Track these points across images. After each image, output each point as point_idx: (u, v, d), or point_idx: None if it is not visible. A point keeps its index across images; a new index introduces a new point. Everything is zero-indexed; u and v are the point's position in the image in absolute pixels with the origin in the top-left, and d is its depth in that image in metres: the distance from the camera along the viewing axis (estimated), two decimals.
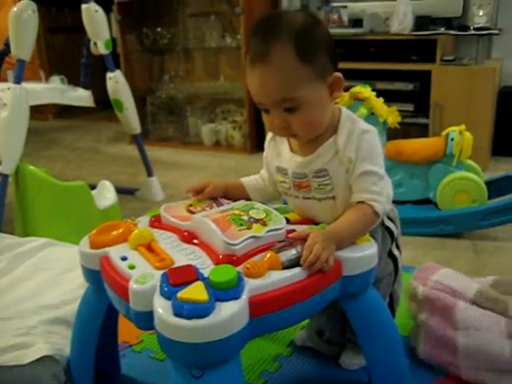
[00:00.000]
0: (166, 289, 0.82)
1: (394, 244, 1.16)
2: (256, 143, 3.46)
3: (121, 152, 3.68)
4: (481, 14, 3.11)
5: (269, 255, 0.89)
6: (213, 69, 3.81)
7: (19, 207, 1.80)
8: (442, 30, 3.06)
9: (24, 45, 1.87)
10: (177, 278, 0.83)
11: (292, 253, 0.91)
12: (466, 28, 3.07)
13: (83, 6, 2.17)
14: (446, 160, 2.06)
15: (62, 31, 4.82)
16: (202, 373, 0.81)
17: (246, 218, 0.97)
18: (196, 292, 0.80)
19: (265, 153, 1.17)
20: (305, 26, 0.97)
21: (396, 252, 1.17)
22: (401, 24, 3.05)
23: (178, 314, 0.78)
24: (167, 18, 3.84)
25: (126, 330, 1.38)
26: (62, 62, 2.45)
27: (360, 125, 1.03)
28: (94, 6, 2.17)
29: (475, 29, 3.03)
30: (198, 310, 0.77)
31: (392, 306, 1.21)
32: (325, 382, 1.21)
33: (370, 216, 1.01)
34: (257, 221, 0.96)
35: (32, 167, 1.81)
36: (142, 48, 3.94)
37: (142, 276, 0.87)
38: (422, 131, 2.97)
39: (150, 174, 2.61)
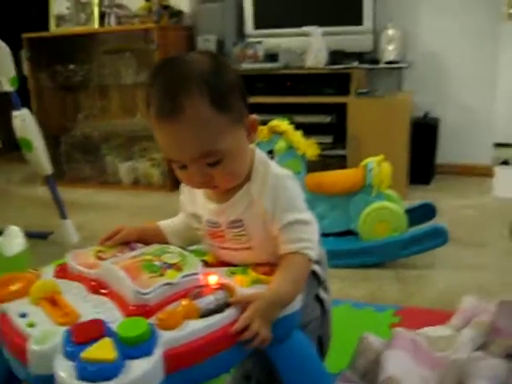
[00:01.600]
0: (68, 348, 0.73)
1: (320, 287, 1.12)
2: (176, 180, 3.36)
3: (33, 194, 3.49)
4: (390, 48, 3.24)
5: (184, 303, 0.82)
6: (129, 105, 3.73)
7: None
8: (356, 64, 3.14)
9: None
10: (81, 335, 0.74)
11: (210, 299, 0.84)
12: (378, 62, 3.18)
13: None
14: (366, 190, 2.07)
15: None
16: None
17: (158, 263, 0.89)
18: (102, 350, 0.71)
19: (181, 196, 1.10)
20: (213, 71, 0.89)
21: (324, 295, 1.12)
22: (315, 58, 3.11)
23: (81, 377, 0.69)
24: (80, 55, 3.73)
25: None
26: None
27: (273, 170, 0.97)
28: None
29: (386, 62, 3.14)
30: (104, 371, 0.69)
31: (322, 350, 1.15)
32: None
33: (306, 265, 0.95)
34: (170, 266, 0.89)
35: None
36: (55, 85, 3.80)
37: (42, 335, 0.77)
38: (341, 162, 3.01)
39: (63, 216, 2.47)
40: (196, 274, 0.90)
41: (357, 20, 3.26)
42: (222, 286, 0.87)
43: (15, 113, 2.17)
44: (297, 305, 0.93)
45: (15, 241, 1.89)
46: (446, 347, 1.17)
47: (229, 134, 0.90)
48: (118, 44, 3.65)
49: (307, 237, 0.95)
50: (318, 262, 1.09)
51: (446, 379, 0.99)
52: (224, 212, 0.98)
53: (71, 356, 0.72)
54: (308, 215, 0.96)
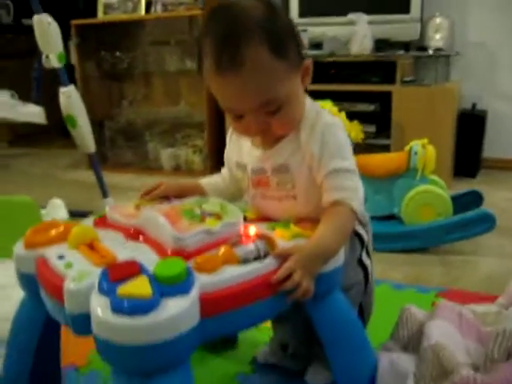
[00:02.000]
0: (104, 285, 0.72)
1: (364, 251, 1.08)
2: (216, 165, 3.38)
3: (77, 177, 3.55)
4: (437, 37, 3.16)
5: (223, 249, 0.80)
6: (173, 93, 3.75)
7: None
8: (401, 52, 3.08)
9: None
10: (117, 274, 0.73)
11: (250, 248, 0.82)
12: (425, 50, 3.10)
13: (35, 18, 2.09)
14: (410, 174, 2.01)
15: (17, 57, 4.69)
16: (145, 382, 0.70)
17: (198, 211, 0.88)
18: (138, 286, 0.70)
19: (226, 148, 1.09)
20: (269, 17, 0.88)
21: (367, 261, 1.09)
22: (360, 46, 3.06)
23: (117, 310, 0.68)
24: (127, 43, 3.78)
25: (73, 350, 1.26)
26: (15, 88, 2.35)
27: (324, 117, 0.95)
28: (46, 18, 2.08)
29: (433, 50, 3.06)
30: (139, 306, 0.67)
31: (362, 318, 1.12)
32: None
33: (349, 216, 0.92)
34: (211, 214, 0.88)
35: None
36: (101, 72, 3.85)
37: (78, 274, 0.76)
38: (385, 152, 2.94)
39: (104, 195, 2.49)
40: (236, 223, 0.88)
41: (404, 8, 3.18)
42: (263, 237, 0.85)
43: (62, 89, 2.20)
44: (339, 261, 0.91)
45: (58, 213, 1.93)
46: (494, 322, 1.12)
47: (287, 81, 0.90)
48: (163, 32, 3.67)
49: (351, 185, 0.93)
50: (362, 224, 1.06)
51: (494, 349, 0.94)
52: (270, 157, 0.97)
53: (107, 292, 0.71)
54: (353, 165, 0.94)
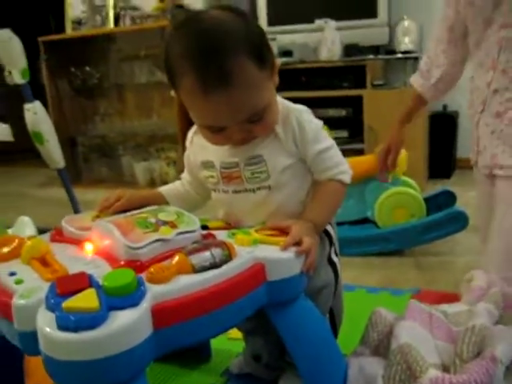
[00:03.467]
0: (51, 300, 0.69)
1: (332, 249, 1.07)
2: None
3: (51, 195, 3.50)
4: (406, 41, 3.18)
5: (177, 258, 0.77)
6: (145, 106, 3.73)
7: None
8: (371, 56, 3.09)
9: None
10: (65, 287, 0.70)
11: (206, 255, 0.79)
12: (393, 53, 3.12)
13: None
14: None
15: None
16: None
17: (153, 220, 0.85)
18: (85, 300, 0.67)
19: (186, 152, 1.07)
20: (244, 28, 0.87)
21: (335, 258, 1.07)
22: (329, 51, 3.07)
23: (62, 326, 0.64)
24: (96, 57, 3.76)
25: (35, 372, 1.22)
26: None
27: (291, 106, 0.98)
28: (7, 33, 2.05)
29: (402, 53, 3.08)
30: (86, 320, 0.64)
31: (334, 323, 1.10)
32: None
33: (341, 190, 0.99)
34: (165, 223, 0.85)
35: None
36: (72, 88, 3.83)
37: (28, 290, 0.73)
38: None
39: (76, 211, 2.45)
40: (192, 231, 0.85)
41: (371, 13, 3.21)
42: (220, 244, 0.82)
43: (27, 105, 2.17)
44: (298, 268, 0.88)
45: (26, 230, 1.87)
46: (465, 322, 1.10)
47: (268, 89, 0.90)
48: (132, 45, 3.66)
49: (337, 160, 0.98)
50: (329, 223, 1.04)
51: (463, 346, 0.92)
52: (243, 150, 0.96)
53: (53, 307, 0.67)
54: (331, 140, 0.99)
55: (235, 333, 1.32)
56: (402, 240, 1.96)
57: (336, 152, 1.00)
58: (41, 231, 2.07)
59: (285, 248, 0.85)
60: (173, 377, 1.21)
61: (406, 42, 3.17)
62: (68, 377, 0.67)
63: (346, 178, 0.99)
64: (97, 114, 3.86)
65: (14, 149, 4.36)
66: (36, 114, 2.17)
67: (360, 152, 3.00)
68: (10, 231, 1.82)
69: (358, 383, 0.94)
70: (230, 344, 1.32)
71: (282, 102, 0.98)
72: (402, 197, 1.96)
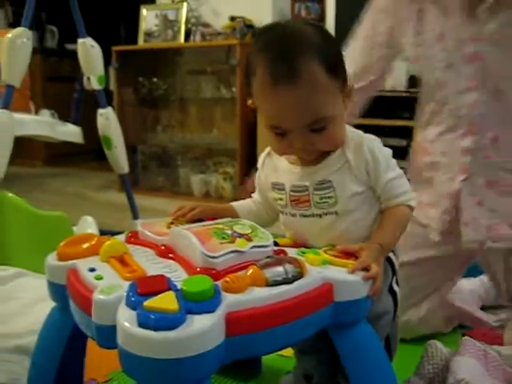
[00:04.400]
0: (132, 298, 0.72)
1: (394, 279, 1.07)
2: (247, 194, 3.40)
3: (109, 198, 3.61)
4: None
5: (252, 270, 0.80)
6: (206, 120, 3.81)
7: None
8: None
9: (15, 71, 1.84)
10: (146, 287, 0.74)
11: (279, 270, 0.81)
12: None
13: (79, 41, 2.16)
14: None
15: (60, 80, 4.84)
16: None
17: (229, 231, 0.88)
18: (165, 301, 0.70)
19: (257, 173, 1.09)
20: (324, 39, 0.92)
21: (396, 287, 1.08)
22: (394, 80, 3.07)
23: (143, 324, 0.68)
24: (164, 70, 3.88)
25: (95, 366, 1.27)
26: (56, 109, 2.45)
27: (365, 135, 1.00)
28: (90, 41, 2.15)
29: None
30: (165, 321, 0.67)
31: (389, 351, 1.10)
32: None
33: (408, 214, 1.00)
34: (241, 235, 0.88)
35: (11, 194, 1.73)
36: (137, 98, 3.95)
37: (108, 287, 0.77)
38: None
39: (135, 216, 2.52)
40: (266, 246, 0.88)
41: None
42: (292, 260, 0.85)
43: (101, 111, 2.26)
44: (367, 290, 0.89)
45: (89, 230, 1.95)
46: None
47: (335, 101, 0.92)
48: (200, 60, 3.75)
49: (405, 188, 0.99)
50: (392, 251, 1.05)
51: None
52: (312, 174, 0.98)
53: (134, 305, 0.71)
54: (400, 169, 1.00)
55: (286, 350, 1.33)
56: None
57: (405, 180, 1.01)
58: (101, 232, 2.16)
59: (352, 272, 0.87)
60: None
61: None
62: (140, 371, 0.70)
63: (414, 203, 1.01)
64: (159, 124, 3.97)
65: (75, 151, 4.54)
66: (108, 120, 2.26)
67: None
68: (74, 229, 1.91)
69: None
70: (281, 361, 1.34)
71: (353, 130, 1.00)
72: None
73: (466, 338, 1.13)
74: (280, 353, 1.34)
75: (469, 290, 1.64)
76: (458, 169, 1.35)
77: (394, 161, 1.00)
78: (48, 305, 0.99)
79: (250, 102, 0.99)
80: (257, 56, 0.91)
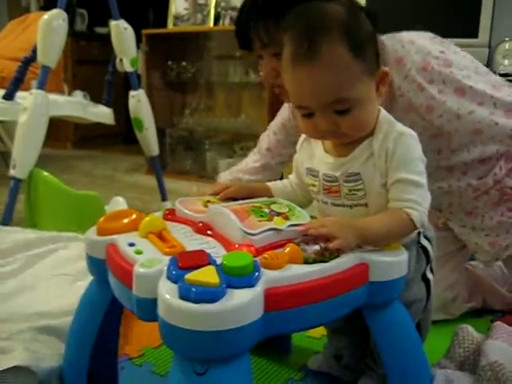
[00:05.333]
0: (173, 272, 0.74)
1: (428, 266, 1.07)
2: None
3: (137, 181, 3.65)
4: (506, 63, 3.10)
5: (290, 248, 0.81)
6: (234, 105, 3.82)
7: (30, 213, 1.75)
8: None
9: (51, 52, 1.87)
10: (187, 262, 0.75)
11: (316, 248, 0.83)
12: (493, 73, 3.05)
13: (112, 23, 2.18)
14: None
15: (90, 63, 4.89)
16: (205, 369, 0.71)
17: (267, 210, 0.90)
18: (206, 275, 0.72)
19: (296, 155, 1.09)
20: (351, 18, 0.89)
21: (430, 275, 1.07)
22: None
23: (184, 296, 0.69)
24: (193, 54, 3.88)
25: (128, 342, 1.31)
26: (87, 91, 2.49)
27: (397, 127, 0.94)
28: (123, 24, 2.18)
29: (501, 75, 3.00)
30: (207, 294, 0.69)
31: (420, 334, 1.10)
32: None
33: (405, 222, 0.90)
34: (278, 214, 0.89)
35: (46, 173, 1.77)
36: (166, 81, 3.97)
37: (148, 260, 0.79)
38: None
39: (164, 198, 2.56)
40: (303, 224, 0.88)
41: (473, 33, 3.14)
42: (330, 239, 0.85)
43: (133, 92, 2.29)
44: (402, 271, 0.90)
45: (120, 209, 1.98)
46: None
47: (361, 83, 0.89)
48: (229, 45, 3.74)
49: (415, 198, 0.90)
50: (427, 239, 1.05)
51: None
52: (342, 166, 0.96)
53: (175, 278, 0.72)
54: (422, 179, 0.91)
55: (314, 331, 1.35)
56: None
57: (420, 192, 0.91)
58: None
59: (305, 230, 0.86)
60: (252, 366, 1.24)
61: (505, 64, 3.09)
62: (180, 343, 0.72)
63: (416, 217, 0.89)
64: (187, 108, 3.99)
65: (103, 134, 4.59)
66: (139, 102, 2.29)
67: None
68: (106, 208, 1.94)
69: None
70: (309, 342, 1.36)
71: (388, 119, 0.95)
72: None
73: (497, 322, 1.12)
74: (309, 333, 1.37)
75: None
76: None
77: (419, 167, 0.92)
78: (85, 284, 1.02)
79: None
80: (284, 36, 0.91)
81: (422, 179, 0.91)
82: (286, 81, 0.93)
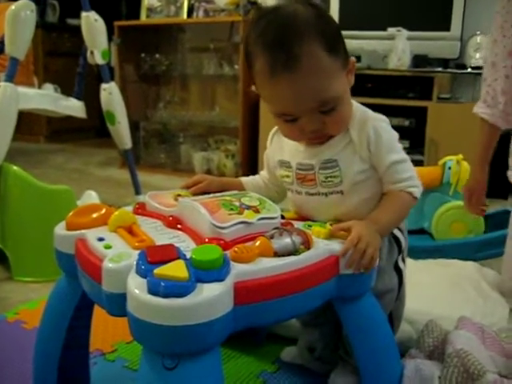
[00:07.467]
0: (142, 266, 0.73)
1: (400, 256, 1.09)
2: (248, 173, 3.40)
3: (110, 175, 3.61)
4: (477, 56, 3.14)
5: (260, 241, 0.81)
6: (208, 97, 3.80)
7: None
8: (440, 69, 3.07)
9: (19, 43, 1.82)
10: (156, 256, 0.75)
11: (286, 241, 0.83)
12: (463, 67, 3.09)
13: (83, 14, 2.15)
14: (443, 189, 2.01)
15: (61, 56, 4.81)
16: (175, 364, 0.71)
17: (237, 203, 0.90)
18: (175, 269, 0.71)
19: (266, 150, 1.10)
20: (319, 17, 0.89)
21: (401, 265, 1.09)
22: (399, 60, 3.06)
23: (153, 291, 0.69)
24: (166, 46, 3.85)
25: (100, 338, 1.30)
26: (58, 84, 2.45)
27: (370, 113, 0.98)
28: (94, 15, 2.14)
29: (472, 68, 3.05)
30: (176, 288, 0.69)
31: (392, 324, 1.12)
32: None
33: (409, 202, 0.97)
34: (249, 207, 0.89)
35: (16, 167, 1.74)
36: (139, 74, 3.93)
37: (117, 255, 0.78)
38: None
39: (137, 192, 2.54)
40: (273, 218, 0.89)
41: (445, 26, 3.18)
42: (300, 232, 0.86)
43: (104, 85, 2.26)
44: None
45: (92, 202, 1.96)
46: None
47: (340, 79, 0.91)
48: (203, 37, 3.72)
49: (410, 174, 0.97)
50: (399, 229, 1.06)
51: None
52: (318, 153, 0.97)
53: (144, 273, 0.72)
54: (405, 154, 0.98)
55: None
56: (456, 254, 1.94)
57: (410, 166, 0.99)
58: None
59: (343, 252, 0.85)
60: (225, 360, 1.25)
61: (476, 58, 3.13)
62: (149, 337, 0.71)
63: (417, 193, 0.97)
64: (161, 101, 3.95)
65: (76, 128, 4.53)
66: (111, 95, 2.26)
67: (419, 163, 2.98)
68: (78, 203, 1.92)
69: (414, 382, 0.96)
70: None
71: (360, 108, 0.99)
72: (462, 211, 1.94)
73: (462, 316, 1.15)
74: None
75: None
76: None
77: (399, 144, 0.99)
78: None
79: (253, 87, 0.99)
80: (254, 45, 0.90)
81: (405, 154, 0.99)
82: (262, 91, 0.93)
